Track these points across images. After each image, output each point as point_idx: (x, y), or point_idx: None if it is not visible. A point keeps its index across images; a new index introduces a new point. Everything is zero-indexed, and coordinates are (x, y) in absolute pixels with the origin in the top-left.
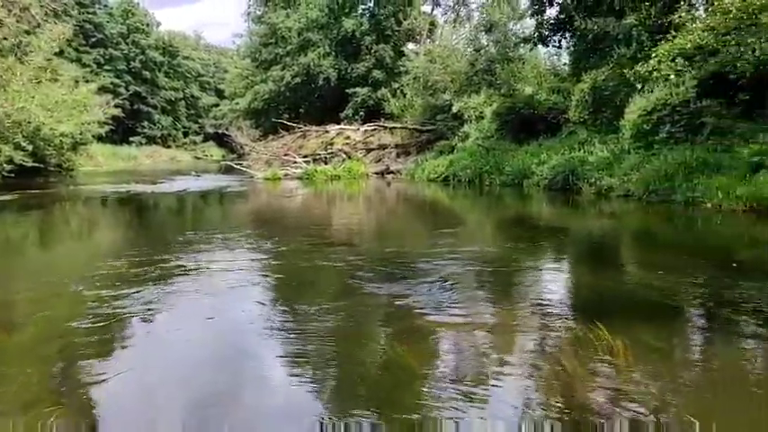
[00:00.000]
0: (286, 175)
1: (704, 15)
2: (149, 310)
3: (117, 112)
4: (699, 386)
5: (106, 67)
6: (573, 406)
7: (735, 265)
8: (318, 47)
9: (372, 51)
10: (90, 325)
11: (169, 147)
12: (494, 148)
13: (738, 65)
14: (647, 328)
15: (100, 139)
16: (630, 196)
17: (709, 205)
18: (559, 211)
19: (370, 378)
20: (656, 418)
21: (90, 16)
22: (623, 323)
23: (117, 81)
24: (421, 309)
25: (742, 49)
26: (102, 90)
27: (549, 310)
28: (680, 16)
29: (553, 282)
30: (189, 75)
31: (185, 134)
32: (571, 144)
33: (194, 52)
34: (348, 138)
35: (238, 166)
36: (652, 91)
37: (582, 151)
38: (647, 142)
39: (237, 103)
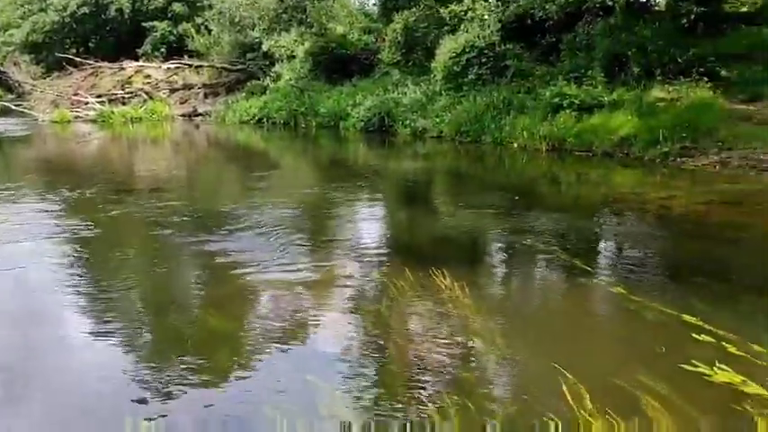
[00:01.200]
0: (77, 117)
1: None
2: None
3: None
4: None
5: None
6: (402, 347)
7: (517, 198)
8: None
9: None
10: None
11: None
12: (308, 88)
13: (546, 6)
14: (465, 263)
15: None
16: (444, 137)
17: (515, 145)
18: (376, 152)
19: (183, 336)
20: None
21: None
22: (442, 262)
23: None
24: (237, 259)
25: None
26: None
27: (374, 255)
28: None
29: (375, 225)
30: None
31: None
32: (385, 85)
33: None
34: (148, 76)
35: (18, 108)
36: (467, 31)
37: (396, 93)
38: (456, 84)
39: (12, 35)
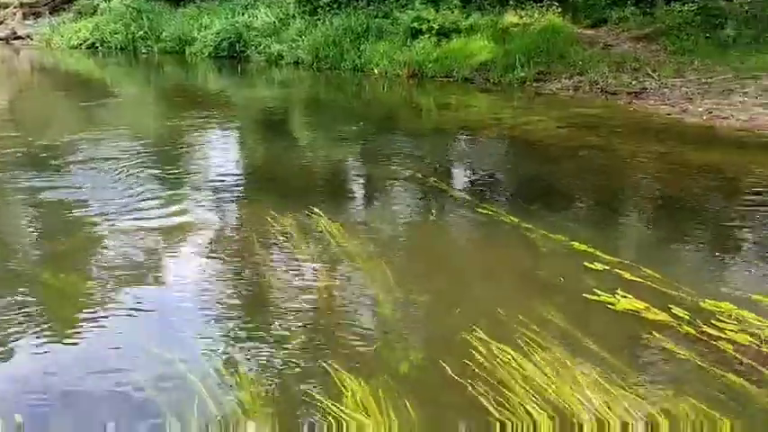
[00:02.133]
0: None
1: None
2: None
3: None
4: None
5: None
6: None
7: (362, 124)
8: None
9: None
10: None
11: None
12: (146, 9)
13: None
14: (331, 195)
15: None
16: (301, 64)
17: (376, 71)
18: (228, 80)
19: (19, 292)
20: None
21: None
22: (307, 195)
23: None
24: (75, 199)
25: None
26: None
27: (232, 191)
28: None
29: (229, 158)
30: None
31: None
32: (233, 7)
33: None
34: None
35: None
36: None
37: (246, 15)
38: (312, 7)
39: None
